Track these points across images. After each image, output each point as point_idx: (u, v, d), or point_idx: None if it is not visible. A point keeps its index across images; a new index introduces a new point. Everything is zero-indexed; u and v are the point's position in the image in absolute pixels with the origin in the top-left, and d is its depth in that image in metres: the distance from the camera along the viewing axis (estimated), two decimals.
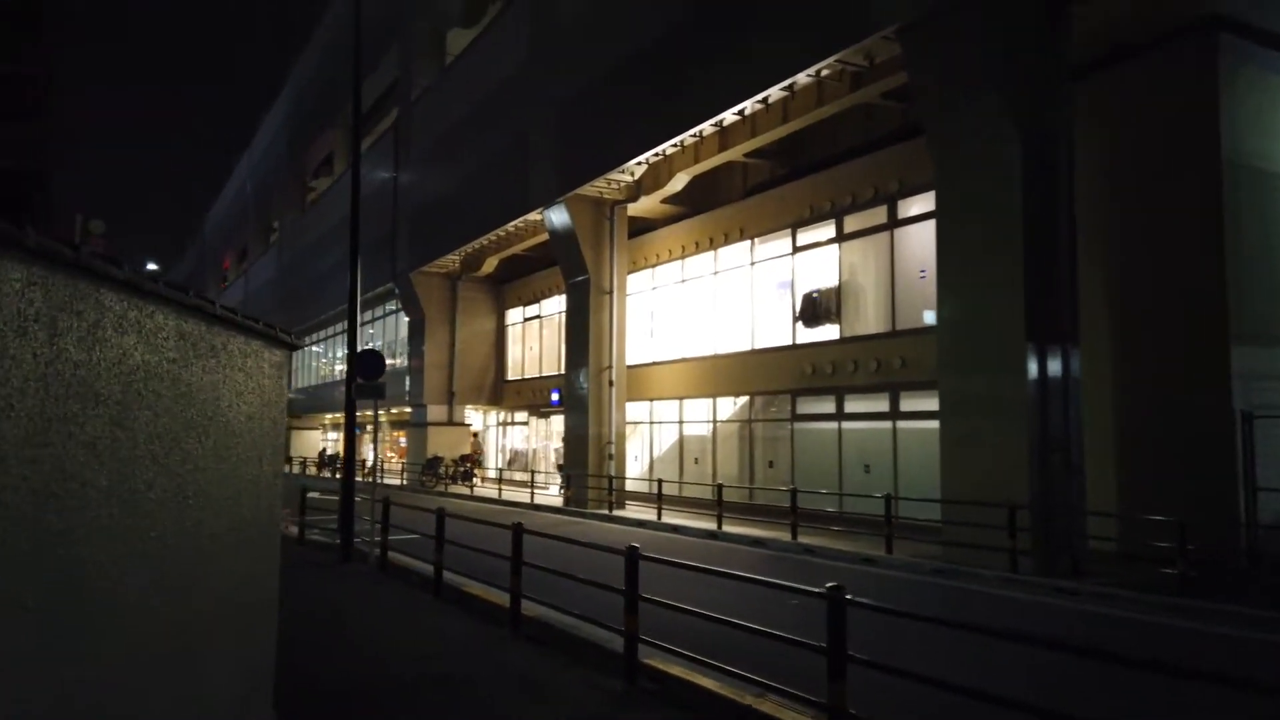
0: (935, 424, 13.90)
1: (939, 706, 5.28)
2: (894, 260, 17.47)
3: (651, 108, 19.91)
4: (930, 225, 14.90)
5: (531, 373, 31.73)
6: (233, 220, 69.99)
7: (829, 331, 18.85)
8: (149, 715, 3.15)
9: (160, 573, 3.19)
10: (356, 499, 13.53)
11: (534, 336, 31.82)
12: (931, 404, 14.68)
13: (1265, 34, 13.06)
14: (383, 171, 34.41)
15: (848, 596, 4.96)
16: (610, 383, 23.04)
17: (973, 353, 13.03)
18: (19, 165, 22.39)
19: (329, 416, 46.29)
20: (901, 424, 17.01)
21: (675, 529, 17.76)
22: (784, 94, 17.36)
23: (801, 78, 16.34)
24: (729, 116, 18.39)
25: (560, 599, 7.90)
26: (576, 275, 23.62)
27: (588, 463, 22.65)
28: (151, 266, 36.60)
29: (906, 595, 10.71)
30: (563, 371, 25.50)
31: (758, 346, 20.80)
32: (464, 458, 31.69)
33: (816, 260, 19.34)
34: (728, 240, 21.94)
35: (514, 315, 33.52)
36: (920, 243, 16.48)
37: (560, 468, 25.41)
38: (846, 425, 18.32)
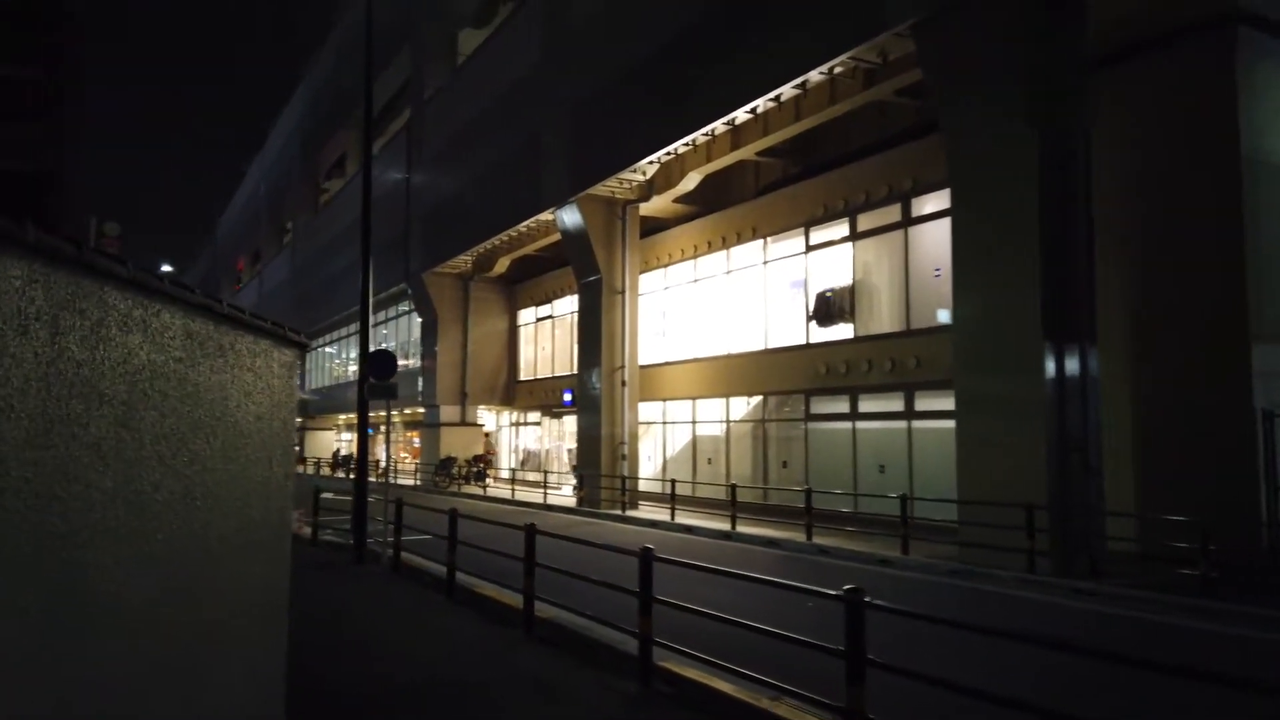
0: (951, 424, 13.80)
1: (957, 709, 5.20)
2: (908, 259, 17.34)
3: (663, 107, 19.84)
4: (945, 223, 14.80)
5: (544, 373, 31.71)
6: (246, 222, 70.25)
7: (843, 331, 18.73)
8: None
9: (167, 576, 3.16)
10: (370, 499, 13.54)
11: (546, 336, 31.80)
12: (947, 404, 14.57)
13: None
14: (395, 172, 34.51)
15: (866, 599, 4.89)
16: (623, 383, 22.99)
17: (989, 352, 12.92)
18: (30, 167, 22.50)
19: (343, 417, 46.42)
20: (916, 424, 16.88)
21: (689, 529, 17.69)
22: (796, 92, 17.26)
23: (814, 75, 16.25)
24: (741, 115, 18.31)
25: (574, 600, 7.85)
26: (589, 275, 23.59)
27: (600, 463, 22.61)
28: (166, 268, 36.84)
29: (923, 596, 10.62)
30: (575, 372, 25.48)
31: (771, 346, 20.69)
32: (477, 458, 31.70)
33: (830, 259, 19.23)
34: (740, 239, 21.84)
35: (526, 315, 33.51)
36: (935, 241, 16.36)
37: (574, 468, 25.38)
38: (861, 425, 18.21)
